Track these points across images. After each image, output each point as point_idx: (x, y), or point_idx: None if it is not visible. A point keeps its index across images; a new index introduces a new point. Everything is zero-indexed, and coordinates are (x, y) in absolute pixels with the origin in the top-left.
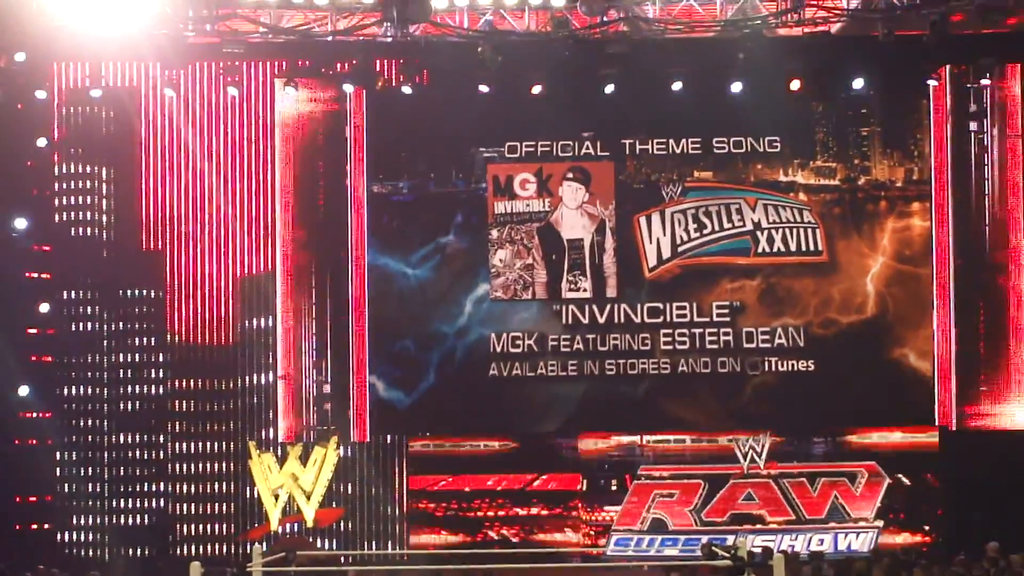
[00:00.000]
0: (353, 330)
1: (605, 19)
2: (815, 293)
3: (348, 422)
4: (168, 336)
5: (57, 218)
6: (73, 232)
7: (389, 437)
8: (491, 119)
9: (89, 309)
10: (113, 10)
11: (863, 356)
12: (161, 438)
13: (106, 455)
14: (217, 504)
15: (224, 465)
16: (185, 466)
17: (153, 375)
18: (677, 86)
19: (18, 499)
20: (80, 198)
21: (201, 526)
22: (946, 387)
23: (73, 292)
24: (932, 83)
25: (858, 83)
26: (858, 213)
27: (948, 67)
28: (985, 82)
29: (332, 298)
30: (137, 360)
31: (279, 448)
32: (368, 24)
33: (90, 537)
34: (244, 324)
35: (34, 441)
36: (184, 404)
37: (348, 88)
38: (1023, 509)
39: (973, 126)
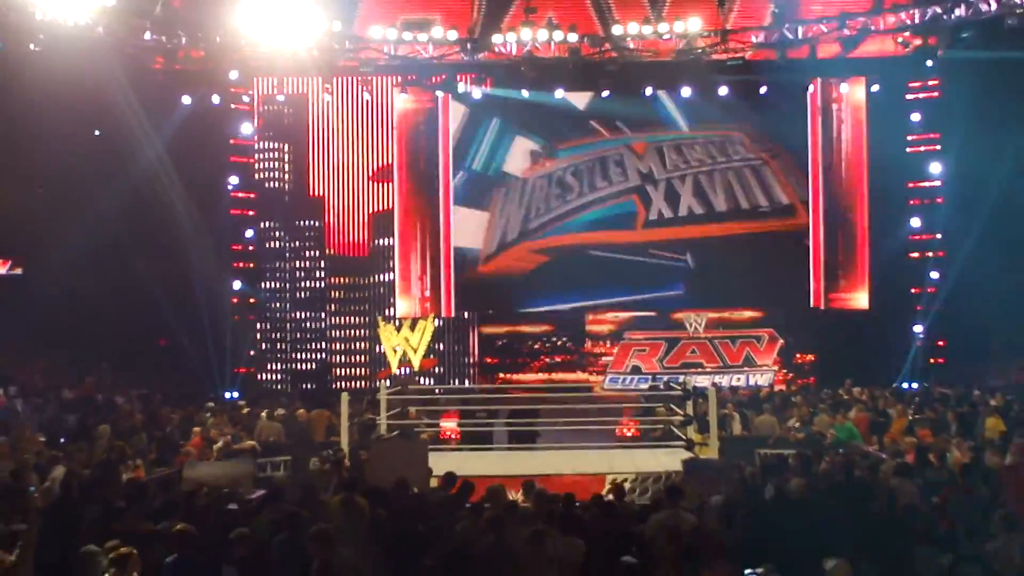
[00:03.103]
0: (442, 248)
1: (602, 48)
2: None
3: (440, 305)
4: (327, 250)
5: (257, 176)
6: (267, 185)
7: (466, 314)
8: (529, 111)
9: (277, 233)
10: (291, 37)
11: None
12: (322, 315)
13: (288, 325)
14: (358, 356)
15: (362, 331)
16: (337, 332)
17: (317, 275)
18: (648, 91)
19: (239, 353)
20: (271, 163)
21: (347, 370)
22: (818, 280)
23: (266, 222)
24: (809, 88)
25: (763, 89)
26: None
27: (819, 79)
28: (844, 89)
29: (431, 229)
30: (307, 266)
31: (397, 321)
32: (453, 52)
33: (277, 377)
34: (375, 242)
35: (246, 317)
36: (336, 293)
37: (439, 94)
38: (863, 359)
39: (834, 116)
